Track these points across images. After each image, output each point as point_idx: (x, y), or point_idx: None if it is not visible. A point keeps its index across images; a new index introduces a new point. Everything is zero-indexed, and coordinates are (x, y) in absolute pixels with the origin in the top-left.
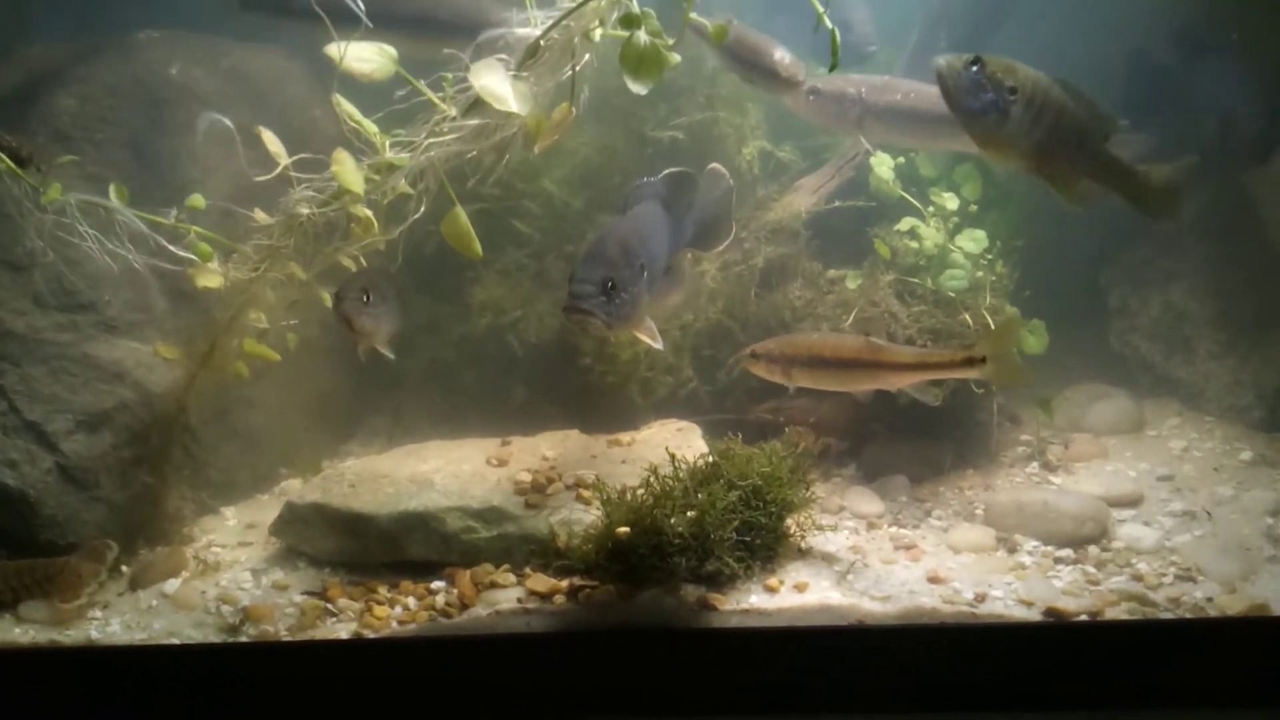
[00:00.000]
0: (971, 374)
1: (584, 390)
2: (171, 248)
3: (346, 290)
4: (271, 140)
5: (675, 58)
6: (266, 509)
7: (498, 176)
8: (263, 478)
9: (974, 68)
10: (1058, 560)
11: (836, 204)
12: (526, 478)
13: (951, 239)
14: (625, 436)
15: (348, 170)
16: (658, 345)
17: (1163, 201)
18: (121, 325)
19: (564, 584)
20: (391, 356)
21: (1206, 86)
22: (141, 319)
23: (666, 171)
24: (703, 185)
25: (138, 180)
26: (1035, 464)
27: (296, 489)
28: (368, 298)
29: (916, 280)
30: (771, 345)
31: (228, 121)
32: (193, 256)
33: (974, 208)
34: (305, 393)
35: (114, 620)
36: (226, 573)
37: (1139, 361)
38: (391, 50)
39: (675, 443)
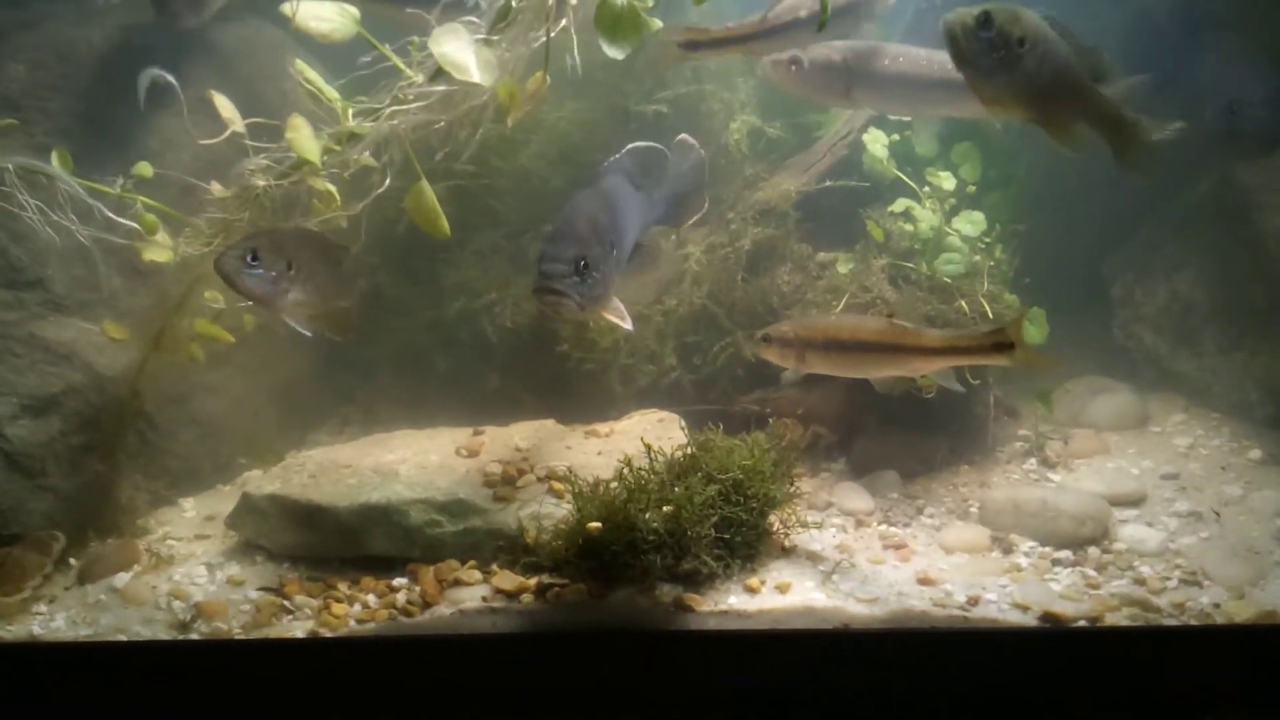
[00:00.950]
0: (1000, 360)
1: (561, 378)
2: (124, 221)
3: (232, 247)
4: (224, 105)
5: (656, 22)
6: (228, 500)
7: (471, 152)
8: (224, 467)
9: (987, 30)
10: (1056, 562)
11: (828, 184)
12: (496, 469)
13: (948, 221)
14: (603, 427)
15: (302, 138)
16: (627, 326)
17: (1144, 156)
18: (71, 304)
19: (532, 582)
20: (307, 333)
21: (1214, 65)
22: (92, 297)
23: (630, 146)
24: (673, 158)
25: (92, 151)
26: (1033, 460)
27: (259, 480)
28: (253, 257)
29: (911, 265)
30: (784, 328)
31: (170, 77)
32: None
33: (972, 188)
34: (271, 379)
35: (59, 615)
36: (180, 567)
37: (1143, 354)
38: (353, 9)
39: (655, 434)
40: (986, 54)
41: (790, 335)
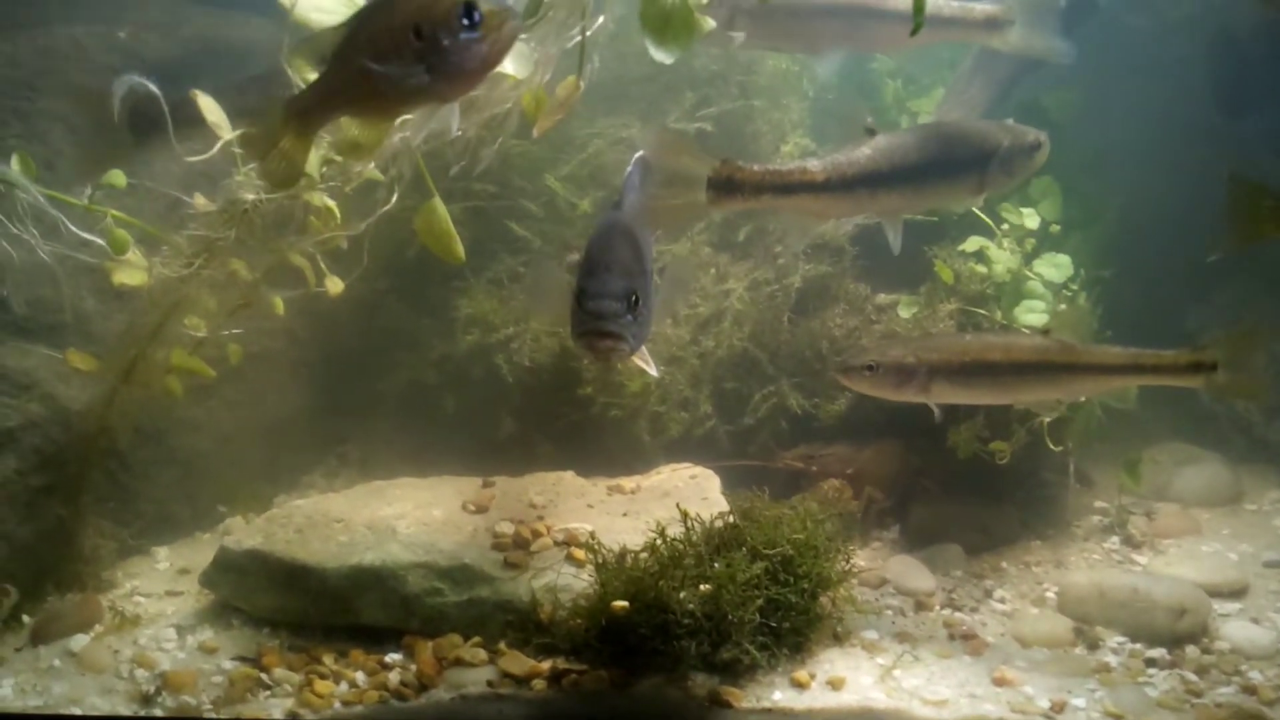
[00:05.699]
0: (1195, 382)
1: (583, 425)
2: (92, 238)
3: None
4: (211, 108)
5: (709, 22)
6: (206, 550)
7: (492, 169)
8: (204, 513)
9: None
10: (1150, 662)
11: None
12: (508, 530)
13: (1028, 264)
14: (629, 482)
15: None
16: (653, 372)
17: None
18: (34, 328)
19: (545, 666)
20: None
21: None
22: (60, 321)
23: (637, 157)
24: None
25: (71, 159)
26: (1115, 538)
27: (242, 528)
28: None
29: (984, 312)
30: (898, 352)
31: (153, 86)
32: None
33: (1055, 228)
34: (261, 415)
35: (6, 680)
36: (148, 628)
37: (1233, 421)
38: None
39: (687, 492)
40: None
41: (911, 361)
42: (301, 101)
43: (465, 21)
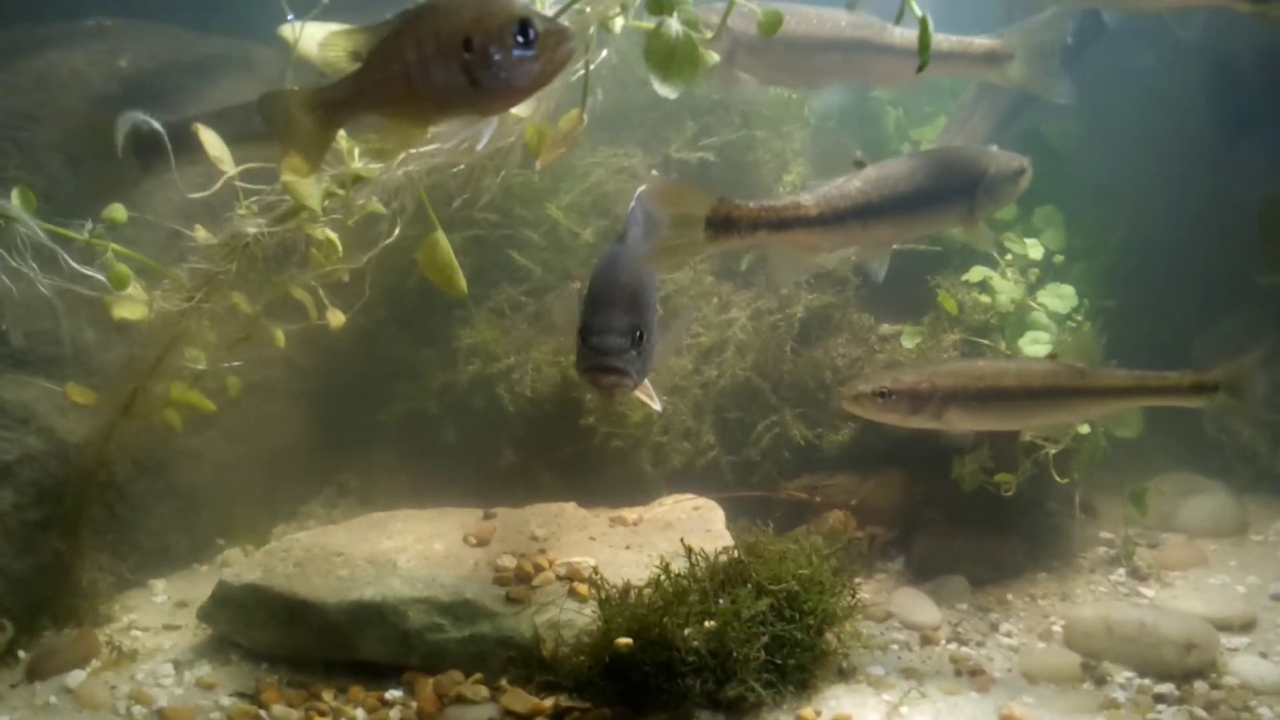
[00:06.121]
0: (1196, 403)
1: (585, 455)
2: (91, 273)
3: None
4: (212, 142)
5: (713, 56)
6: (204, 583)
7: (492, 199)
8: (203, 545)
9: None
10: (1159, 698)
11: (893, 246)
12: (509, 563)
13: (1032, 294)
14: (631, 513)
15: (302, 182)
16: (656, 407)
17: None
18: (33, 360)
19: (548, 703)
20: None
21: None
22: (58, 353)
23: (640, 191)
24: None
25: (70, 189)
26: (1121, 570)
27: (241, 560)
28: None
29: (988, 342)
30: (910, 378)
31: (156, 123)
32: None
33: (1059, 258)
34: (261, 446)
35: (2, 718)
36: (145, 663)
37: (1238, 450)
38: None
39: (691, 524)
40: None
41: (923, 387)
42: (333, 93)
43: (520, 39)
